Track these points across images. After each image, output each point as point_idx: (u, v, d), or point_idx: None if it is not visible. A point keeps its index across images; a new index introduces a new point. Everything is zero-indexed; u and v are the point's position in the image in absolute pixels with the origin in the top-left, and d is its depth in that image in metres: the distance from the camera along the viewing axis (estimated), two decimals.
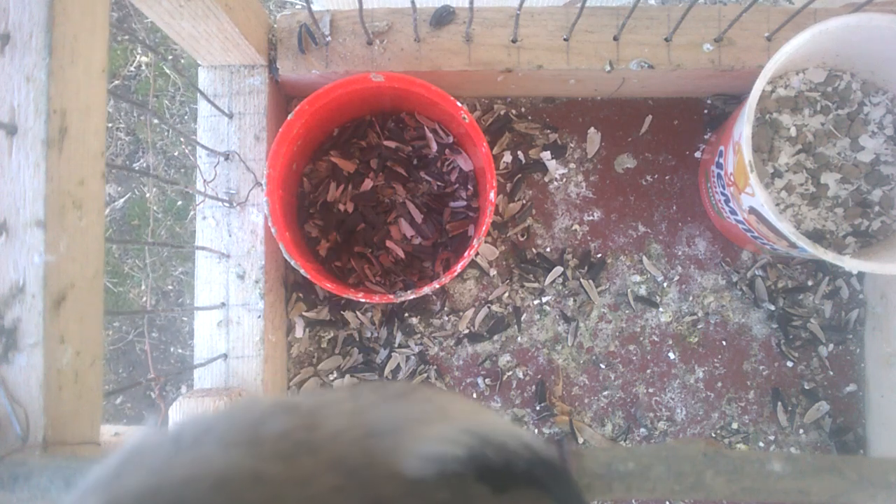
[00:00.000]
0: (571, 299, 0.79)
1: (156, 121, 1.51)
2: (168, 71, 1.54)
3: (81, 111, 0.41)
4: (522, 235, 0.79)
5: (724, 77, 0.73)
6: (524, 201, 0.79)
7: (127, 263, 1.54)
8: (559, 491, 0.25)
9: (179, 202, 1.54)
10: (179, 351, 1.51)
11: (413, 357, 0.78)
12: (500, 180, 0.79)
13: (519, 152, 0.79)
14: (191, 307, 0.89)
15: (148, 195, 1.53)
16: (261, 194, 0.71)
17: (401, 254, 0.77)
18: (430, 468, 0.22)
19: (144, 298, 1.55)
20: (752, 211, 0.64)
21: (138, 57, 1.56)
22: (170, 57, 1.55)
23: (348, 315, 0.78)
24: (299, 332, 0.77)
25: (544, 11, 0.71)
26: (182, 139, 1.52)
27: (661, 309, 0.79)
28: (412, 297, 0.67)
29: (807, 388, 0.78)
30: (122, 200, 1.55)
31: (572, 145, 0.80)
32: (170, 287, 1.54)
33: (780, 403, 0.78)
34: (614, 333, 0.79)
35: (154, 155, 1.54)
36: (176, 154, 1.56)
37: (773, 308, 0.78)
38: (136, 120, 1.55)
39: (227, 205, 0.72)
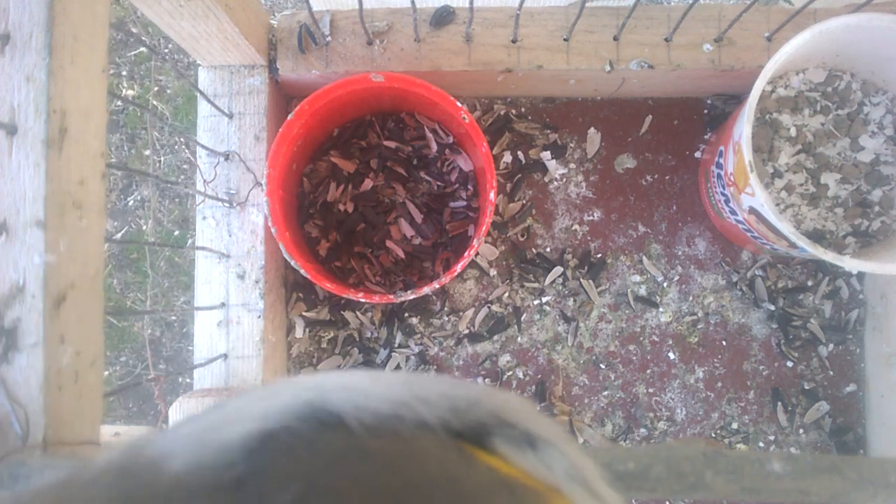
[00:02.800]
0: (571, 299, 0.79)
1: (147, 152, 1.51)
2: (155, 102, 1.54)
3: (81, 111, 0.41)
4: (522, 235, 0.79)
5: (724, 77, 0.73)
6: (524, 201, 0.79)
7: (129, 297, 1.54)
8: None
9: (176, 232, 1.55)
10: (188, 381, 1.52)
11: (413, 357, 0.78)
12: (500, 180, 0.79)
13: (519, 152, 0.79)
14: (191, 307, 0.90)
15: (145, 227, 1.53)
16: (261, 194, 0.71)
17: (401, 254, 0.77)
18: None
19: (148, 330, 1.55)
20: (752, 211, 0.64)
21: (124, 91, 1.56)
22: (155, 88, 1.56)
23: (348, 315, 0.78)
24: (299, 332, 0.77)
25: (544, 11, 0.71)
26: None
27: (661, 309, 0.79)
28: (412, 297, 0.67)
29: (807, 388, 0.78)
30: (119, 235, 1.55)
31: (572, 145, 0.80)
32: (173, 317, 1.55)
33: (780, 403, 0.78)
34: (614, 333, 0.79)
35: (148, 187, 1.54)
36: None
37: (773, 308, 0.78)
38: (128, 154, 1.55)
39: (227, 205, 0.72)
